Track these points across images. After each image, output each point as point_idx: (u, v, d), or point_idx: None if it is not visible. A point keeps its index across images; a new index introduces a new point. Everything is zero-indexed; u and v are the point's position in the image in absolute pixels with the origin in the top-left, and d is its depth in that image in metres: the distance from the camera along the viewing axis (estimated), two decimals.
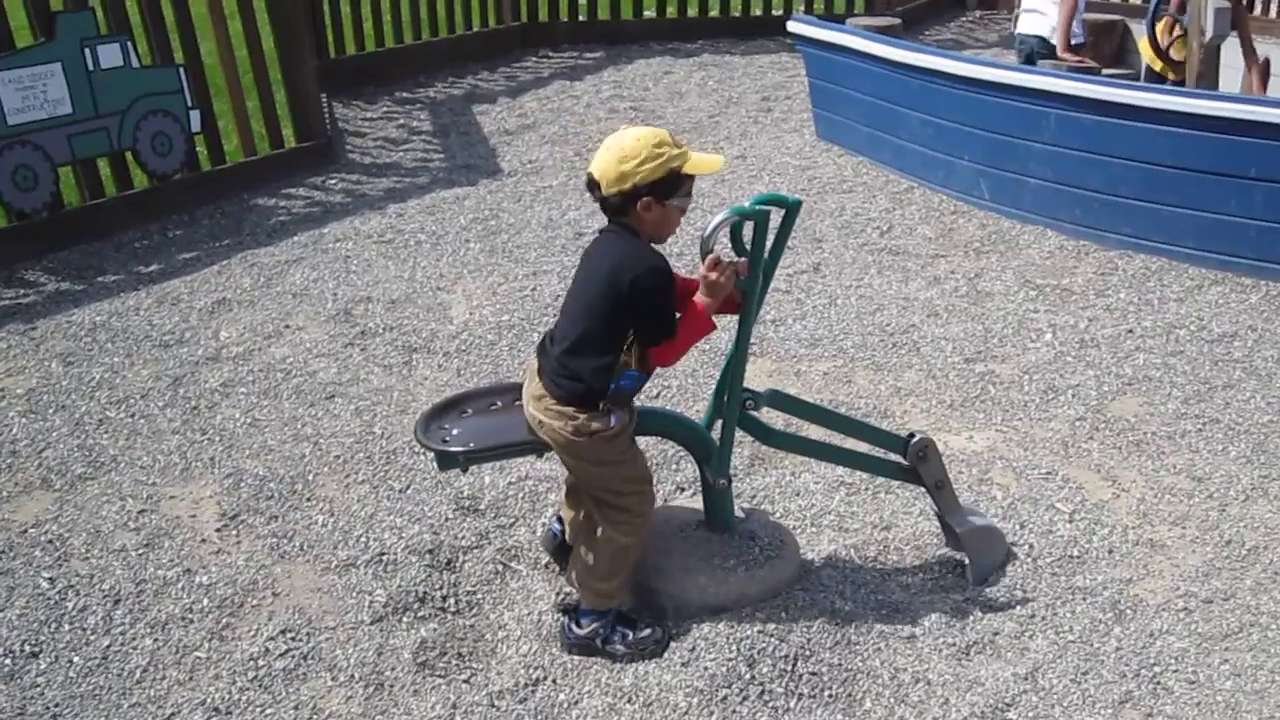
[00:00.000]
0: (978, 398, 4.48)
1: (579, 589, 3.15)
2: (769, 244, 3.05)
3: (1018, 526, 3.68)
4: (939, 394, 4.51)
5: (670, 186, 2.86)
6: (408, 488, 3.90)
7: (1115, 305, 5.27)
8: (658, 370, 4.56)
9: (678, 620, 3.17)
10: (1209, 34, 6.15)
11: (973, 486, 3.90)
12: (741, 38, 10.76)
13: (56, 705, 2.98)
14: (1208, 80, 6.30)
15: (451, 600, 3.33)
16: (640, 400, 3.11)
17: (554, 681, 3.03)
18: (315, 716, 2.94)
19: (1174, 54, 7.08)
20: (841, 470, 3.88)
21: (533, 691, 2.99)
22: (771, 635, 3.07)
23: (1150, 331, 4.99)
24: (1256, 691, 2.98)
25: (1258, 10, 9.10)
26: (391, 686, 3.02)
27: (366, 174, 7.14)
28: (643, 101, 8.78)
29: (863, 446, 3.48)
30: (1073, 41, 6.88)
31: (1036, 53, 7.05)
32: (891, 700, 2.96)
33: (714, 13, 10.91)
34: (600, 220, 3.02)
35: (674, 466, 4.00)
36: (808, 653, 3.04)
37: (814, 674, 2.99)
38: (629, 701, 2.94)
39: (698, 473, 3.33)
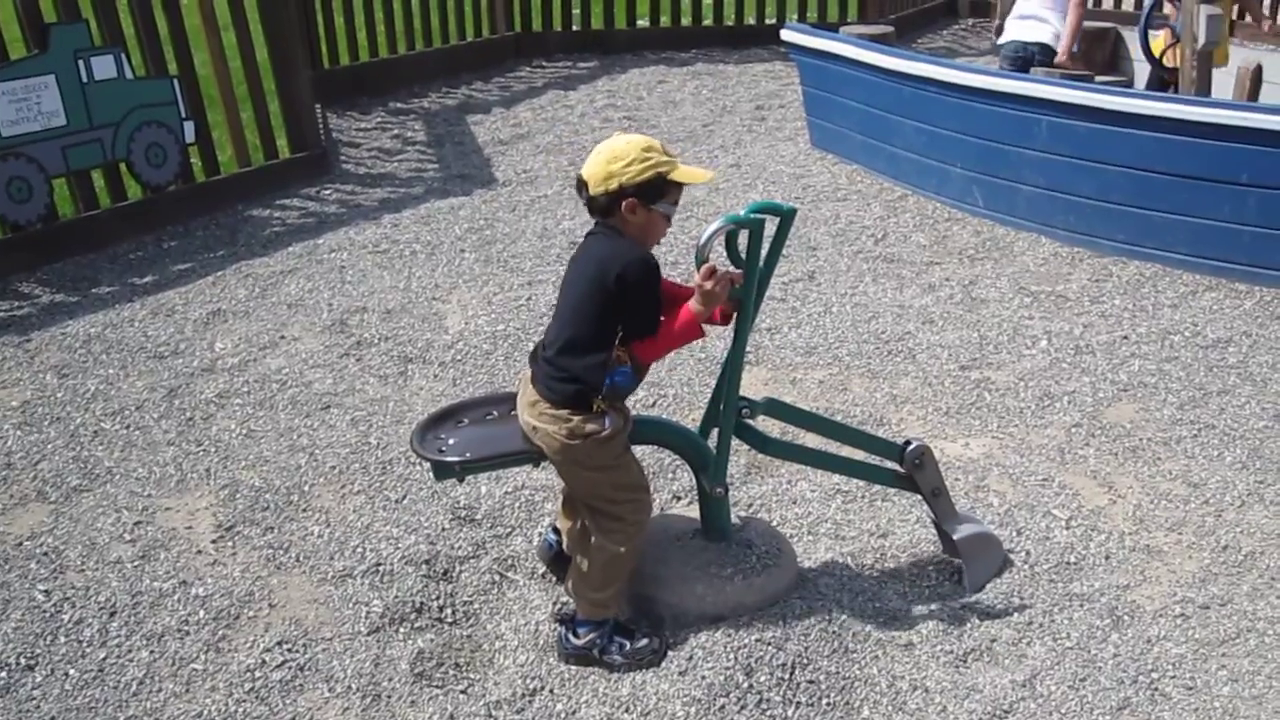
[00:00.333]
0: (973, 405, 4.48)
1: (575, 599, 3.15)
2: (764, 252, 3.05)
3: (1014, 533, 3.68)
4: (935, 401, 4.52)
5: (656, 191, 2.88)
6: (404, 498, 3.89)
7: (1110, 311, 5.28)
8: (654, 379, 4.58)
9: (675, 629, 3.17)
10: (1201, 41, 6.17)
11: (969, 493, 3.90)
12: (735, 46, 10.78)
13: (52, 718, 2.97)
14: (1201, 86, 6.31)
15: (448, 611, 3.32)
16: (637, 409, 3.10)
17: (551, 691, 3.02)
18: None
19: (1166, 61, 7.10)
20: (838, 478, 3.88)
21: (530, 701, 2.99)
22: (769, 644, 3.06)
23: (1145, 338, 5.00)
24: (1254, 697, 2.98)
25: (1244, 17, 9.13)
26: (388, 697, 3.01)
27: (361, 184, 7.14)
28: (637, 111, 8.79)
29: (859, 454, 3.48)
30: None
31: (1038, 59, 7.04)
32: (889, 708, 2.96)
33: (707, 22, 10.92)
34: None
35: (670, 475, 4.00)
36: (805, 661, 3.04)
37: (812, 682, 2.99)
38: (626, 711, 2.94)
39: (694, 481, 3.33)
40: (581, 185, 2.92)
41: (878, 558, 3.56)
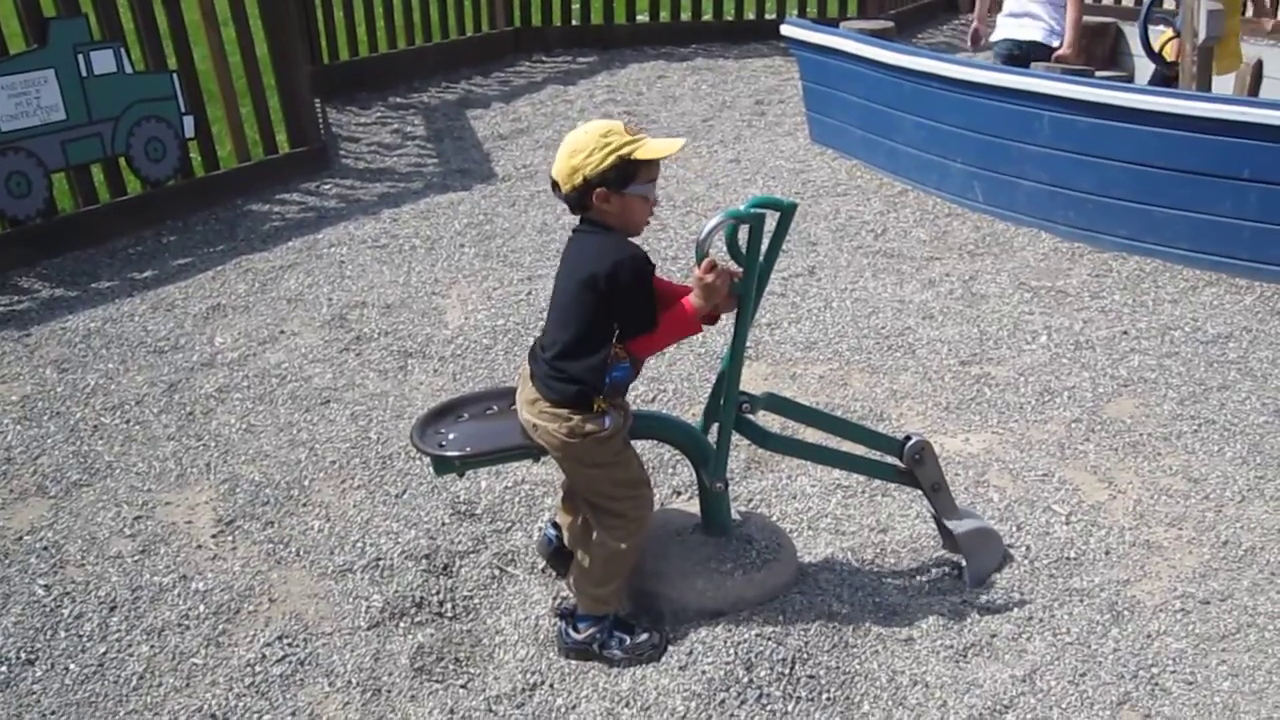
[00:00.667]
0: (973, 400, 4.48)
1: (575, 594, 3.15)
2: (764, 247, 3.05)
3: (1014, 528, 3.68)
4: (935, 396, 4.51)
5: (624, 175, 2.82)
6: (404, 493, 3.89)
7: (1110, 307, 5.28)
8: (654, 374, 4.57)
9: (675, 624, 3.16)
10: (1202, 36, 6.16)
11: (969, 488, 3.90)
12: (735, 41, 10.77)
13: (53, 713, 2.97)
14: (1201, 82, 6.31)
15: (448, 605, 3.32)
16: (636, 404, 3.10)
17: (551, 686, 3.02)
18: None
19: (1165, 55, 7.09)
20: (838, 473, 3.88)
21: (530, 696, 2.99)
22: (769, 638, 3.06)
23: (1145, 333, 5.00)
24: (1254, 692, 2.98)
25: (1249, 12, 9.10)
26: (389, 692, 3.01)
27: (360, 179, 7.14)
28: (636, 106, 8.79)
29: (859, 449, 3.48)
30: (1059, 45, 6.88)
31: (1031, 57, 7.03)
32: (889, 703, 2.96)
33: (707, 17, 10.90)
34: None
35: (670, 470, 3.99)
36: (805, 656, 3.04)
37: (812, 677, 2.99)
38: (626, 706, 2.94)
39: (694, 476, 3.33)
40: (554, 185, 2.89)
41: (878, 553, 3.56)
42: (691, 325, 2.97)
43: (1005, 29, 7.00)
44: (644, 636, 3.10)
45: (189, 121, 6.42)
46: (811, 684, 2.97)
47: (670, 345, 3.02)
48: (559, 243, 5.98)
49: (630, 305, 2.87)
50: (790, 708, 2.91)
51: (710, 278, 2.88)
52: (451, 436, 3.09)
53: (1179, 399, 4.45)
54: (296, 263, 5.86)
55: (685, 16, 10.92)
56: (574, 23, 10.63)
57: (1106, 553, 3.57)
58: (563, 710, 2.94)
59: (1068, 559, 3.53)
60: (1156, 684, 3.02)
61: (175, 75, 6.35)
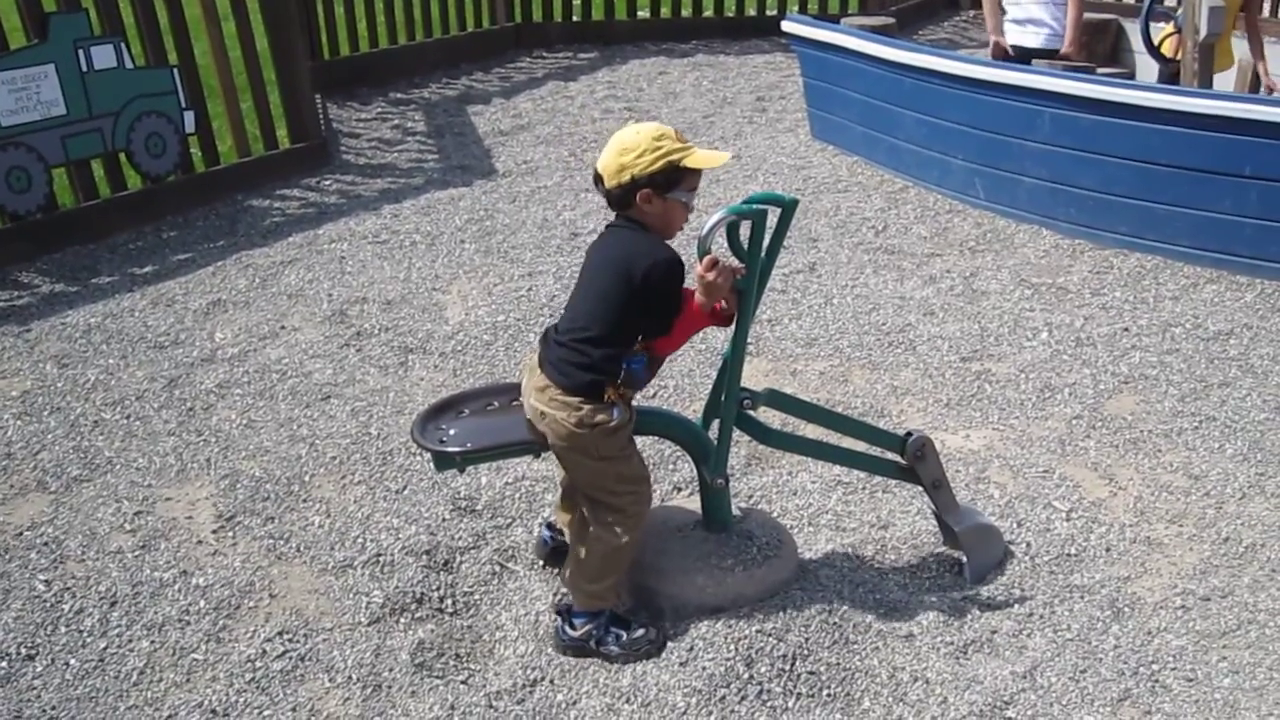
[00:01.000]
0: (974, 396, 4.48)
1: (571, 590, 3.15)
2: (766, 244, 3.04)
3: (1015, 525, 3.68)
4: (935, 393, 4.51)
5: (670, 180, 2.87)
6: (404, 488, 3.89)
7: (1111, 304, 5.28)
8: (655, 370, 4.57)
9: (676, 620, 3.16)
10: (1203, 32, 6.15)
11: (970, 485, 3.90)
12: (735, 38, 10.76)
13: (53, 708, 2.97)
14: (1202, 79, 6.30)
15: (449, 601, 3.32)
16: (637, 400, 3.10)
17: (552, 682, 3.02)
18: (313, 718, 2.93)
19: (1165, 51, 7.09)
20: (839, 469, 3.88)
21: (530, 692, 2.99)
22: (769, 635, 3.06)
23: (1146, 330, 5.00)
24: (1255, 689, 2.98)
25: (1265, 12, 9.09)
26: (389, 688, 3.01)
27: (361, 175, 7.13)
28: (637, 102, 8.78)
29: (860, 446, 3.48)
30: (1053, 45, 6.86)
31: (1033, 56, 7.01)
32: (890, 699, 2.96)
33: (708, 13, 10.90)
34: (597, 219, 3.02)
35: (671, 466, 3.99)
36: (806, 652, 3.04)
37: (812, 673, 2.99)
38: (627, 702, 2.94)
39: (695, 473, 3.33)
40: (598, 179, 2.92)
41: (878, 549, 3.56)
42: (698, 321, 2.98)
43: (1011, 36, 6.98)
44: (640, 632, 3.09)
45: (189, 117, 6.41)
46: (812, 680, 2.97)
47: (685, 342, 3.06)
48: (559, 239, 5.98)
49: (660, 307, 2.91)
50: (791, 704, 2.91)
51: (712, 275, 2.88)
52: (452, 432, 3.09)
53: (1180, 396, 4.45)
54: (297, 258, 5.85)
55: (686, 13, 10.90)
56: (575, 19, 10.62)
57: (1107, 549, 3.57)
58: (563, 706, 2.94)
59: (1068, 555, 3.53)
60: (1157, 681, 3.02)
61: (176, 70, 6.34)
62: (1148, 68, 7.61)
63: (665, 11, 10.84)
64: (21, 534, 3.67)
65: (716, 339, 4.79)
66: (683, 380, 4.58)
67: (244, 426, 4.29)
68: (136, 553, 3.57)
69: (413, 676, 3.04)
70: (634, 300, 2.87)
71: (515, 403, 3.15)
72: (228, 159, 6.87)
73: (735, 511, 3.37)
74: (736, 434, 3.23)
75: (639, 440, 3.12)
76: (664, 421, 3.29)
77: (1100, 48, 8.47)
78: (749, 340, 3.16)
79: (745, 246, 3.01)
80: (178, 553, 3.57)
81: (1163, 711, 2.92)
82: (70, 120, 5.84)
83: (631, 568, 3.24)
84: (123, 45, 6.03)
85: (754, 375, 4.57)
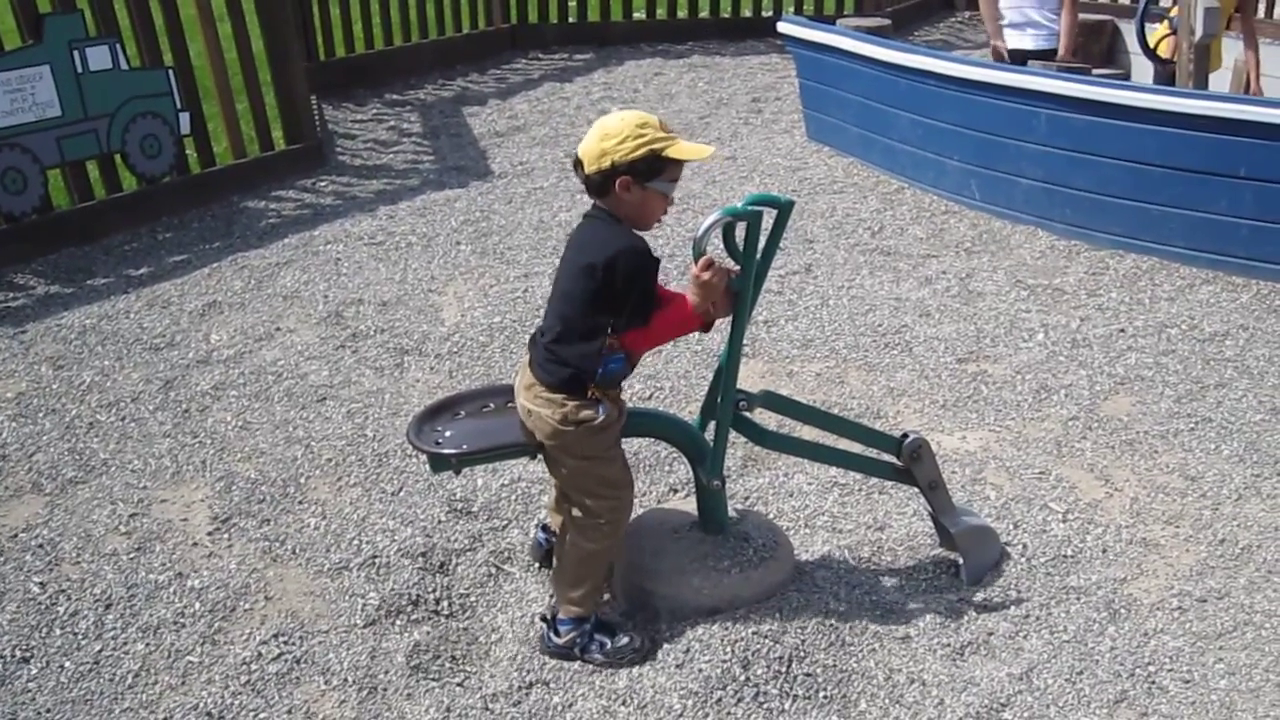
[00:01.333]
0: (970, 398, 4.48)
1: (555, 594, 3.16)
2: (761, 245, 3.04)
3: (1011, 526, 3.68)
4: (931, 394, 4.51)
5: (651, 169, 2.82)
6: (400, 490, 3.89)
7: (1107, 305, 5.28)
8: (651, 371, 4.57)
9: (672, 622, 3.16)
10: (1199, 33, 6.16)
11: (966, 486, 3.90)
12: (731, 39, 10.76)
13: (48, 711, 2.96)
14: (1197, 80, 6.31)
15: (444, 603, 3.32)
16: (633, 401, 3.10)
17: (548, 684, 3.02)
18: None
19: (1161, 52, 7.09)
20: (835, 471, 3.88)
21: (526, 694, 2.98)
22: (766, 637, 3.06)
23: (1142, 331, 5.00)
24: (1251, 690, 2.98)
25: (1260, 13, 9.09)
26: (385, 690, 3.01)
27: (357, 176, 7.12)
28: (633, 103, 8.77)
29: (857, 447, 3.48)
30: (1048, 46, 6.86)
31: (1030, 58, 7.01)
32: (886, 701, 2.95)
33: (704, 14, 10.89)
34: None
35: (667, 468, 3.99)
36: (802, 654, 3.04)
37: (809, 675, 2.99)
38: (623, 704, 2.94)
39: (691, 474, 3.32)
40: (577, 164, 2.88)
41: (875, 551, 3.55)
42: (690, 323, 2.95)
43: (1009, 40, 6.98)
44: (624, 641, 3.08)
45: (185, 118, 6.41)
46: (809, 682, 2.97)
47: (667, 342, 3.01)
48: (555, 240, 5.98)
49: (626, 296, 2.85)
50: (787, 706, 2.91)
51: (707, 276, 2.87)
52: (448, 434, 3.09)
53: (1176, 397, 4.45)
54: (292, 260, 5.84)
55: (682, 14, 10.92)
56: (571, 20, 10.62)
57: (1103, 551, 3.57)
58: (559, 708, 2.94)
59: (1065, 557, 3.53)
60: (1153, 682, 3.02)
61: (171, 71, 6.33)
62: (1143, 68, 7.61)
63: (661, 13, 10.84)
64: (16, 536, 3.66)
65: (712, 340, 4.78)
66: (679, 382, 4.57)
67: (239, 428, 4.28)
68: (132, 555, 3.56)
69: (409, 679, 3.04)
70: (600, 293, 2.83)
71: (511, 405, 3.15)
72: (223, 160, 6.86)
73: (731, 513, 3.37)
74: (733, 435, 3.23)
75: (635, 442, 3.13)
76: (660, 423, 3.29)
77: (1096, 48, 8.48)
78: (745, 342, 3.15)
79: (741, 248, 3.00)
80: (173, 555, 3.56)
81: (1159, 713, 2.92)
82: (65, 121, 5.83)
83: (627, 569, 3.24)
84: (118, 46, 6.02)
85: (750, 376, 4.57)
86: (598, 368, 2.90)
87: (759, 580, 3.22)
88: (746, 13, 11.06)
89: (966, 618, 3.25)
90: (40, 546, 3.60)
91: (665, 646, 3.09)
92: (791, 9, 11.02)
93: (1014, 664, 3.07)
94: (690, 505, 3.41)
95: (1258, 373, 4.62)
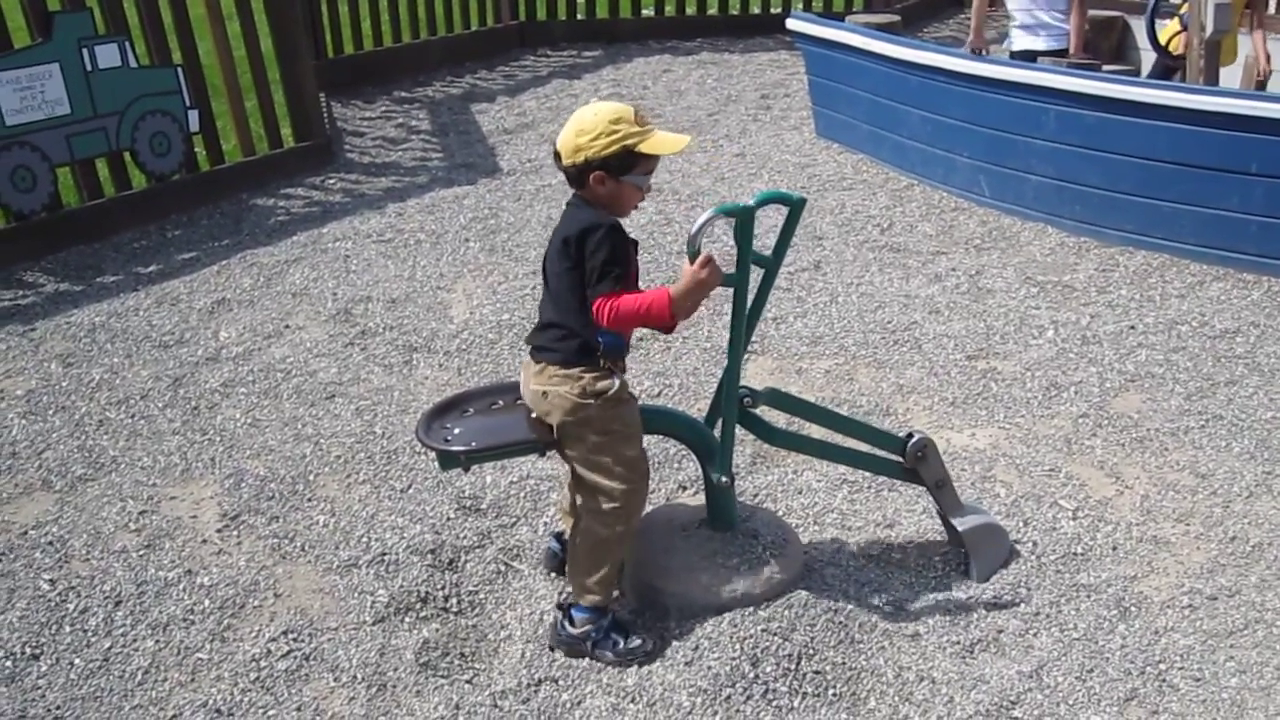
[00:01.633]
0: (980, 395, 4.47)
1: (570, 584, 3.15)
2: (772, 242, 3.03)
3: (1021, 524, 3.67)
4: (941, 391, 4.50)
5: (624, 164, 2.86)
6: (409, 487, 3.89)
7: (1117, 301, 5.26)
8: (660, 368, 4.56)
9: (681, 620, 3.15)
10: (1209, 29, 6.13)
11: (975, 484, 3.89)
12: (740, 36, 10.76)
13: (58, 708, 2.97)
14: (1208, 76, 6.28)
15: (453, 600, 3.32)
16: (642, 398, 3.09)
17: (556, 681, 3.02)
18: (318, 718, 2.93)
19: (1172, 49, 7.06)
20: (844, 468, 3.87)
21: (535, 691, 2.98)
22: (775, 634, 3.05)
23: (1152, 328, 4.98)
24: (1262, 688, 2.97)
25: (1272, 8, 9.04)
26: (394, 687, 3.01)
27: (365, 173, 7.13)
28: (641, 100, 8.77)
29: (864, 445, 3.47)
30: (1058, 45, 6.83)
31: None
32: (896, 699, 2.95)
33: (713, 11, 10.89)
34: None
35: (676, 465, 3.98)
36: (811, 651, 3.03)
37: (818, 673, 2.98)
38: (632, 701, 2.93)
39: (700, 472, 3.32)
40: (556, 156, 2.94)
41: (884, 548, 3.55)
42: (662, 311, 2.85)
43: (1021, 41, 6.95)
44: (637, 643, 3.07)
45: (194, 116, 6.42)
46: (818, 680, 2.96)
47: (637, 325, 2.94)
48: None
49: (590, 258, 2.85)
50: (796, 704, 2.91)
51: (704, 273, 2.85)
52: (457, 431, 3.08)
53: (1186, 394, 4.44)
54: (301, 257, 5.85)
55: (691, 10, 10.91)
56: (579, 17, 10.62)
57: (1114, 548, 3.55)
58: (568, 705, 2.94)
59: (1074, 555, 3.52)
60: (1164, 680, 3.01)
61: (180, 69, 6.34)
62: (1152, 64, 7.58)
63: (670, 9, 10.84)
64: (26, 533, 3.67)
65: (721, 338, 4.78)
66: (687, 379, 4.57)
67: (249, 425, 4.29)
68: (141, 552, 3.56)
69: (417, 676, 3.04)
70: (575, 270, 2.87)
71: (520, 401, 3.15)
72: (232, 158, 6.87)
73: (740, 510, 3.36)
74: (742, 432, 3.22)
75: (645, 439, 3.11)
76: (669, 420, 3.28)
77: (1106, 44, 8.44)
78: (754, 339, 3.15)
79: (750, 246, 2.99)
80: (182, 552, 3.57)
81: (1170, 711, 2.91)
82: (75, 119, 5.84)
83: (636, 567, 3.24)
84: (127, 44, 6.04)
85: (759, 373, 4.57)
86: (599, 336, 2.93)
87: (768, 578, 3.22)
88: (755, 10, 11.04)
89: (976, 615, 3.24)
90: (50, 544, 3.61)
91: (674, 644, 3.08)
92: (800, 6, 11.01)
93: (1024, 662, 3.06)
94: (699, 502, 3.40)
95: (1269, 370, 4.60)
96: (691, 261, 2.87)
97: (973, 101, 6.25)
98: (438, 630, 3.19)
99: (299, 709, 2.95)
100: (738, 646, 3.02)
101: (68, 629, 3.24)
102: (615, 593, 3.21)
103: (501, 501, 3.79)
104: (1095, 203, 5.88)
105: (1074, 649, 3.11)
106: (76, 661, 3.12)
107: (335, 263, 5.78)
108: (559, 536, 3.42)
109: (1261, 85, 6.77)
